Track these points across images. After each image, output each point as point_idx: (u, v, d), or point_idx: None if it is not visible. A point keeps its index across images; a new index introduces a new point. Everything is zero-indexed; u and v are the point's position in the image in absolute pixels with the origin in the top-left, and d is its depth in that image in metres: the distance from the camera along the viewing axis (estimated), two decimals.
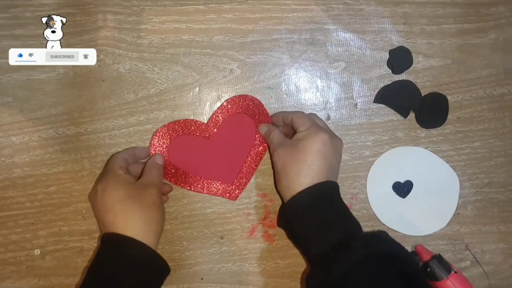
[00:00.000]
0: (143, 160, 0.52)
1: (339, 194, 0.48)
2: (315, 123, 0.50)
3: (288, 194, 0.47)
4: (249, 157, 0.53)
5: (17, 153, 0.51)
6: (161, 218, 0.47)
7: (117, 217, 0.44)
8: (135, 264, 0.43)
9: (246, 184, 0.53)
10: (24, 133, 0.51)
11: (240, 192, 0.53)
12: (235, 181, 0.53)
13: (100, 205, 0.45)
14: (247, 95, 0.53)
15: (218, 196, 0.53)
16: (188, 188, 0.53)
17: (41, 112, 0.51)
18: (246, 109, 0.53)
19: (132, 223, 0.44)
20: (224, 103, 0.53)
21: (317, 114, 0.55)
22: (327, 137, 0.47)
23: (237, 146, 0.53)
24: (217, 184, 0.53)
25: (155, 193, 0.46)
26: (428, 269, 0.50)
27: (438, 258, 0.51)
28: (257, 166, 0.54)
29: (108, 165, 0.49)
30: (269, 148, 0.52)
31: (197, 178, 0.53)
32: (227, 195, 0.53)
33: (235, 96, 0.53)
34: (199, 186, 0.53)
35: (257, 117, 0.53)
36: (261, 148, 0.53)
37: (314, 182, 0.46)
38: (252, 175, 0.54)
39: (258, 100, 0.53)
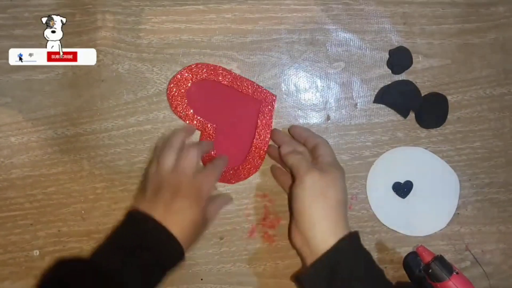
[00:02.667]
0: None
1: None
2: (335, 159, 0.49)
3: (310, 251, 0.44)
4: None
5: (16, 153, 0.51)
6: (196, 241, 0.48)
7: (167, 212, 0.44)
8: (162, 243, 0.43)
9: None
10: (23, 133, 0.51)
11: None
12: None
13: (168, 191, 0.45)
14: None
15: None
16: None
17: (40, 112, 0.51)
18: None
19: (175, 228, 0.44)
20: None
21: (317, 114, 0.55)
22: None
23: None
24: None
25: (208, 226, 0.49)
26: (430, 270, 0.50)
27: (440, 259, 0.51)
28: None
29: (200, 181, 0.47)
30: (292, 173, 0.48)
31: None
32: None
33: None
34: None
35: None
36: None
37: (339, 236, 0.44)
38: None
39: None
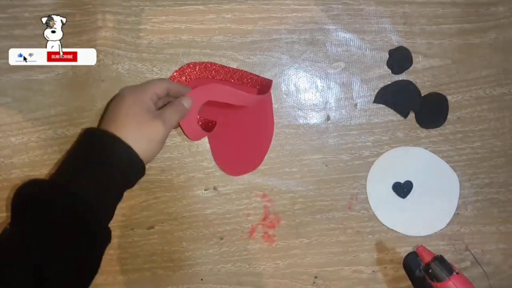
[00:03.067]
0: None
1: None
2: None
3: None
4: None
5: (16, 153, 0.51)
6: (155, 151, 0.46)
7: (115, 124, 0.44)
8: (121, 157, 0.43)
9: None
10: (23, 133, 0.51)
11: None
12: None
13: (111, 106, 0.46)
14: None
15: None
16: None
17: (40, 112, 0.51)
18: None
19: (127, 137, 0.43)
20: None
21: (317, 114, 0.55)
22: None
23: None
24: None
25: (164, 133, 0.45)
26: (430, 270, 0.50)
27: (440, 259, 0.51)
28: None
29: (145, 84, 0.48)
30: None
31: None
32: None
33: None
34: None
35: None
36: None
37: None
38: None
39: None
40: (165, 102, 0.49)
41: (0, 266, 0.37)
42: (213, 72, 0.53)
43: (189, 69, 0.52)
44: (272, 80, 0.54)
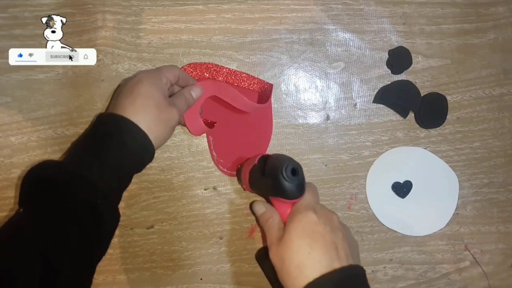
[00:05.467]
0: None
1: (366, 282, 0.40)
2: (308, 200, 0.44)
3: None
4: None
5: (16, 153, 0.51)
6: (166, 137, 0.46)
7: (133, 107, 0.43)
8: (135, 143, 0.43)
9: None
10: (23, 133, 0.51)
11: None
12: None
13: (127, 89, 0.45)
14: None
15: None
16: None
17: (40, 112, 0.51)
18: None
19: (143, 121, 0.43)
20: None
21: (317, 114, 0.55)
22: (311, 213, 0.41)
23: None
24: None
25: (175, 119, 0.45)
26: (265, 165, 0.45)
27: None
28: None
29: (160, 69, 0.48)
30: (264, 235, 0.47)
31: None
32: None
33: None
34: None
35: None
36: None
37: (324, 272, 0.38)
38: None
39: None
40: (171, 91, 0.50)
41: (9, 252, 0.37)
42: (214, 72, 0.53)
43: (190, 69, 0.52)
44: (272, 84, 0.54)
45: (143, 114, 0.43)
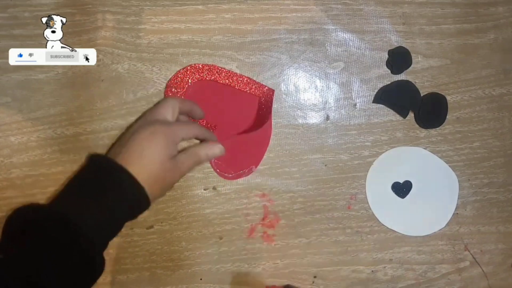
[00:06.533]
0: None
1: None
2: None
3: None
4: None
5: (16, 153, 0.51)
6: (163, 194, 0.46)
7: (139, 160, 0.42)
8: (127, 190, 0.42)
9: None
10: (22, 133, 0.51)
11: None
12: None
13: (140, 137, 0.43)
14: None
15: None
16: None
17: (40, 112, 0.51)
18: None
19: (144, 175, 0.42)
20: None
21: (316, 114, 0.55)
22: None
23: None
24: None
25: (176, 180, 0.46)
26: None
27: None
28: None
29: (179, 126, 0.46)
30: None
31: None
32: None
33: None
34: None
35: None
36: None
37: None
38: None
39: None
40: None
41: None
42: (216, 74, 0.53)
43: (192, 70, 0.52)
44: (274, 90, 0.54)
45: (145, 170, 0.42)
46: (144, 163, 0.43)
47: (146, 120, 0.47)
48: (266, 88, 0.54)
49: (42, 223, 0.40)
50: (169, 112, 0.47)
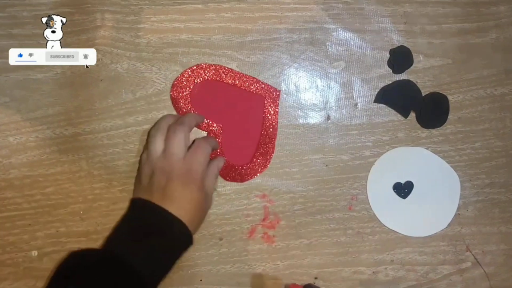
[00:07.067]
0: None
1: None
2: None
3: None
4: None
5: (14, 153, 0.51)
6: (201, 223, 0.49)
7: (175, 200, 0.45)
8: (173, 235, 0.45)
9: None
10: (21, 133, 0.51)
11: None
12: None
13: (171, 182, 0.46)
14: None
15: None
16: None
17: (39, 112, 0.51)
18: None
19: (186, 216, 0.45)
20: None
21: (317, 114, 0.55)
22: None
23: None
24: None
25: (210, 206, 0.51)
26: None
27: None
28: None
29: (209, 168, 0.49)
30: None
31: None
32: None
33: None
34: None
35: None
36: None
37: None
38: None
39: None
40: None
41: None
42: (222, 74, 0.52)
43: (198, 70, 0.52)
44: (280, 90, 0.54)
45: (186, 210, 0.45)
46: (183, 204, 0.45)
47: (171, 167, 0.47)
48: (272, 88, 0.53)
49: (96, 265, 0.42)
50: (181, 142, 0.48)
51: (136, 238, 0.44)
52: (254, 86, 0.53)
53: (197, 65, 0.52)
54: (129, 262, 0.41)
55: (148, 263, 0.42)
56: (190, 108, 0.52)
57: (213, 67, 0.52)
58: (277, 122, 0.54)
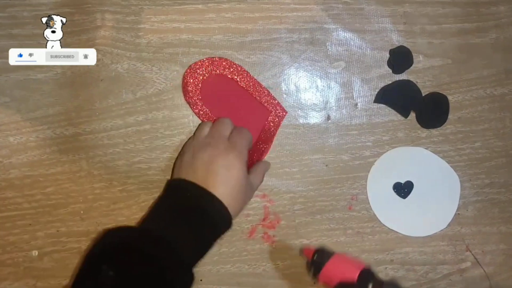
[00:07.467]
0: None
1: None
2: None
3: None
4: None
5: (15, 153, 0.51)
6: (241, 210, 0.49)
7: (219, 182, 0.45)
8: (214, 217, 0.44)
9: None
10: (21, 133, 0.51)
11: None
12: None
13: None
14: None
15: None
16: None
17: (39, 112, 0.51)
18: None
19: (226, 196, 0.45)
20: None
21: (317, 114, 0.55)
22: None
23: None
24: None
25: (252, 194, 0.51)
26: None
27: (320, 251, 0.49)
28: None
29: (243, 153, 0.48)
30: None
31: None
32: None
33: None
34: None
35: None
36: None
37: None
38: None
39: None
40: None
41: None
42: (239, 76, 0.53)
43: (207, 62, 0.52)
44: (287, 112, 0.54)
45: (229, 193, 0.45)
46: (227, 186, 0.45)
47: (216, 143, 0.47)
48: (280, 107, 0.54)
49: (134, 243, 0.41)
50: (228, 125, 0.50)
51: (173, 217, 0.43)
52: (265, 99, 0.53)
53: (220, 58, 0.52)
54: (167, 239, 0.41)
55: (186, 242, 0.42)
56: (198, 94, 0.52)
57: (234, 67, 0.53)
58: (273, 140, 0.54)
